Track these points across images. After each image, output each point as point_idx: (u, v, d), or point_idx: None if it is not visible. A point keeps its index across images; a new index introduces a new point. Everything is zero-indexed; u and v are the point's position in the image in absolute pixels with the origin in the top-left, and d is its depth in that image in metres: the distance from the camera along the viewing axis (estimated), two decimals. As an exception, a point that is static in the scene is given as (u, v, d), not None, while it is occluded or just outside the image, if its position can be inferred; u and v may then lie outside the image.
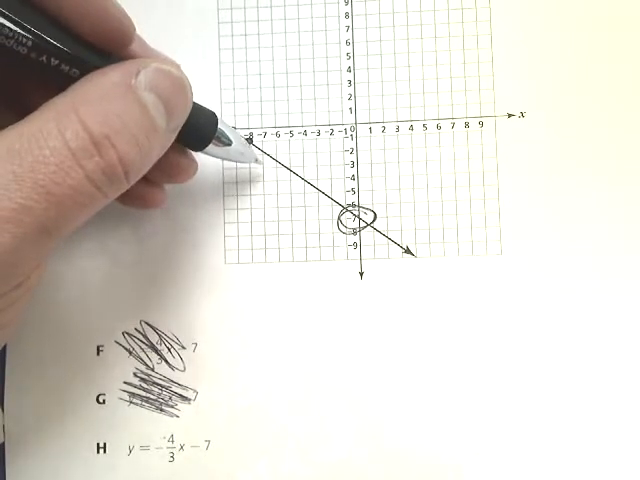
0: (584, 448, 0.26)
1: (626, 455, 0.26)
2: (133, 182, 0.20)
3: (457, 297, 0.27)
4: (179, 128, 0.22)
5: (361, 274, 0.27)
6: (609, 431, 0.26)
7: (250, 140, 0.28)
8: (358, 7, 0.28)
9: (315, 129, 0.28)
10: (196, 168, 0.26)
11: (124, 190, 0.20)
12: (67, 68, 0.20)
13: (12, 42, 0.18)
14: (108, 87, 0.19)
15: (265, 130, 0.28)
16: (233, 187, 0.28)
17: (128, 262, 0.28)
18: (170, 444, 0.27)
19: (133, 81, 0.20)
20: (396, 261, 0.27)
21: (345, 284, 0.27)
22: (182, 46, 0.28)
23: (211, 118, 0.24)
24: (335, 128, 0.28)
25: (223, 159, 0.27)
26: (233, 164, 0.28)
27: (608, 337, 0.26)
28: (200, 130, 0.24)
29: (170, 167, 0.25)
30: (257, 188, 0.28)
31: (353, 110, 0.28)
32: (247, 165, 0.28)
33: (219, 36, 0.28)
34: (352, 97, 0.28)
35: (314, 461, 0.27)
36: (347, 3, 0.28)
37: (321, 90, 0.28)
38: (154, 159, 0.21)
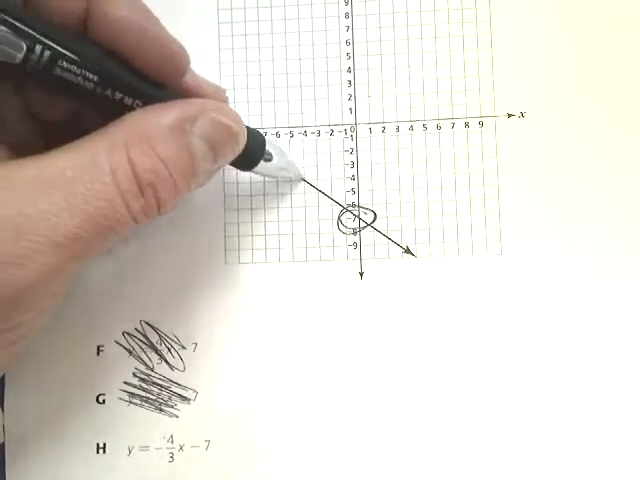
0: (582, 447, 0.26)
1: (628, 461, 0.26)
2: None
3: (457, 297, 0.27)
4: (221, 167, 0.23)
5: (361, 274, 0.27)
6: (609, 432, 0.26)
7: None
8: (358, 7, 0.28)
9: (315, 129, 0.28)
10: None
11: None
12: (128, 99, 0.20)
13: (79, 79, 0.19)
14: (162, 128, 0.20)
15: (265, 130, 0.28)
16: (234, 187, 0.28)
17: (128, 262, 0.28)
18: (170, 444, 0.27)
19: (187, 127, 0.20)
20: (396, 261, 0.27)
21: (345, 284, 0.27)
22: (182, 46, 0.28)
23: (259, 140, 0.25)
24: (335, 128, 0.28)
25: (268, 176, 0.27)
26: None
27: (608, 337, 0.26)
28: (249, 153, 0.24)
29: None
30: (257, 188, 0.28)
31: (353, 110, 0.28)
32: (287, 180, 0.28)
33: (219, 36, 0.28)
34: (352, 97, 0.28)
35: (314, 461, 0.27)
36: (347, 3, 0.28)
37: (321, 90, 0.28)
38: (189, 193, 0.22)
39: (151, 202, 0.20)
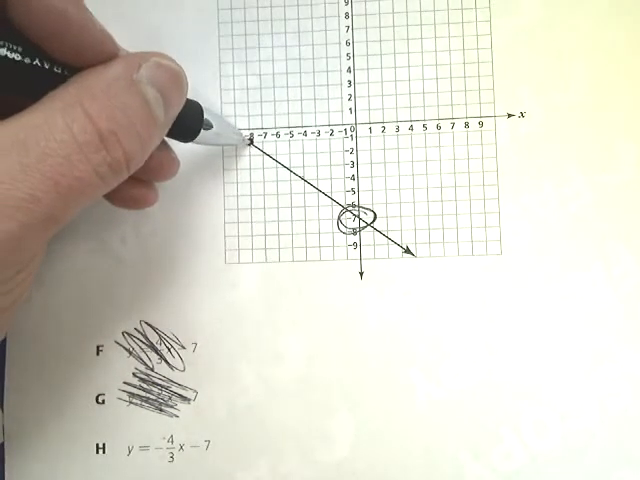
0: (584, 445, 0.26)
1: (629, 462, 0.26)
2: (133, 172, 0.21)
3: (457, 297, 0.27)
4: (174, 119, 0.22)
5: (361, 274, 0.27)
6: (610, 432, 0.26)
7: (251, 140, 0.28)
8: (358, 7, 0.28)
9: (315, 129, 0.28)
10: (178, 165, 0.26)
11: (124, 179, 0.21)
12: (57, 68, 0.20)
13: (4, 50, 0.19)
14: (111, 80, 0.20)
15: (265, 130, 0.28)
16: (233, 187, 0.28)
17: (128, 262, 0.28)
18: (170, 444, 0.27)
19: (135, 75, 0.20)
20: (396, 261, 0.27)
21: (345, 284, 0.27)
22: (182, 46, 0.28)
23: (196, 108, 0.25)
24: (335, 128, 0.28)
25: (214, 145, 0.27)
26: (233, 164, 0.28)
27: (608, 337, 0.26)
28: (189, 121, 0.24)
29: (154, 165, 0.25)
30: (257, 188, 0.28)
31: (353, 110, 0.28)
32: (235, 147, 0.28)
33: (219, 36, 0.28)
34: (352, 97, 0.28)
35: (314, 461, 0.27)
36: (347, 3, 0.28)
37: (321, 90, 0.28)
38: (152, 150, 0.22)
39: (116, 153, 0.19)
